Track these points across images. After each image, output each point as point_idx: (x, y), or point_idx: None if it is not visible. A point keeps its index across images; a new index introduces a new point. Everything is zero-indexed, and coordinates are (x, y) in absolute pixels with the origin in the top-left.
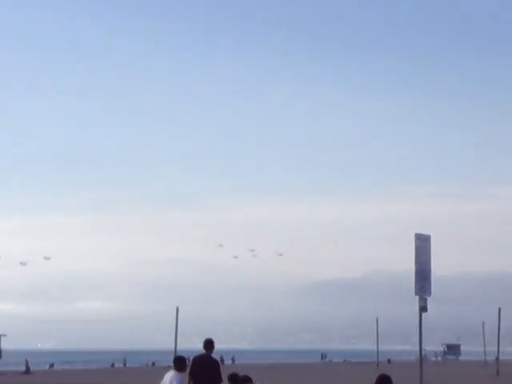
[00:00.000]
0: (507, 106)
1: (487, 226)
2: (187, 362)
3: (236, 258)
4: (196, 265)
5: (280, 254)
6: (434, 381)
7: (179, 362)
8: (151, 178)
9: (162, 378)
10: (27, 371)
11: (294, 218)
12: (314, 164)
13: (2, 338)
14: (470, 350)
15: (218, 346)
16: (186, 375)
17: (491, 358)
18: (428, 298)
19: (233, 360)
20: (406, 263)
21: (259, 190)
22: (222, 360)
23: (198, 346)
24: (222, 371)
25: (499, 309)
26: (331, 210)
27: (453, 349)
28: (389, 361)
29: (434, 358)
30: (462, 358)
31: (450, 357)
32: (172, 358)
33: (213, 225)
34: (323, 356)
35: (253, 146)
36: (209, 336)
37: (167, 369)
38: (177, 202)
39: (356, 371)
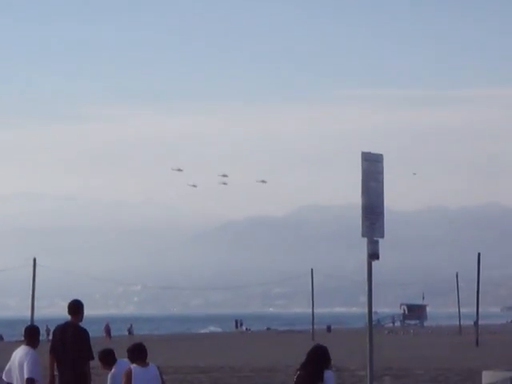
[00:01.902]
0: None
1: (464, 142)
2: (46, 333)
3: (194, 185)
4: (63, 200)
5: (263, 181)
6: (390, 356)
7: (30, 334)
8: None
9: (10, 358)
10: None
11: (193, 132)
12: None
13: None
14: (440, 311)
15: (93, 312)
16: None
17: (468, 322)
18: (380, 242)
19: (130, 331)
20: (350, 196)
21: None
22: (109, 331)
23: (65, 313)
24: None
25: (478, 254)
26: (241, 121)
27: (416, 311)
28: (328, 328)
29: (390, 324)
30: (428, 323)
31: (412, 322)
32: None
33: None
34: (239, 323)
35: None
36: (80, 298)
37: (19, 344)
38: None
39: (283, 343)
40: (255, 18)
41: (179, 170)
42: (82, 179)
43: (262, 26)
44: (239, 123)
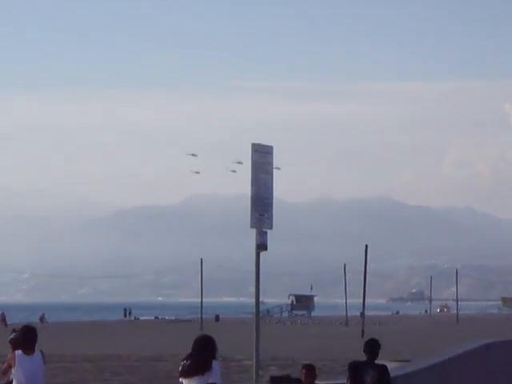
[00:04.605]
0: None
1: (351, 135)
2: None
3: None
4: None
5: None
6: (276, 346)
7: None
8: None
9: None
10: None
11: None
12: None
13: None
14: (327, 302)
15: None
16: None
17: (354, 313)
18: (270, 233)
19: (42, 319)
20: (240, 186)
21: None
22: (4, 319)
23: None
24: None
25: (366, 246)
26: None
27: (303, 301)
28: (217, 318)
29: (278, 314)
30: (315, 313)
31: (300, 312)
32: None
33: None
34: (127, 312)
35: None
36: None
37: None
38: None
39: (170, 331)
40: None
41: (193, 154)
42: None
43: (158, 10)
44: (123, 112)
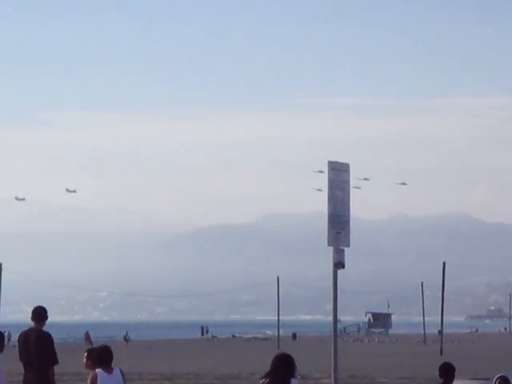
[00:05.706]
0: None
1: (427, 151)
2: (8, 338)
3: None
4: (25, 205)
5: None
6: (354, 364)
7: None
8: None
9: None
10: None
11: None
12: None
13: None
14: (404, 320)
15: (59, 318)
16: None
17: (432, 330)
18: (346, 251)
19: (126, 338)
20: (315, 203)
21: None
22: (89, 337)
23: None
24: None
25: (444, 263)
26: (205, 131)
27: (381, 319)
28: (294, 336)
29: (355, 332)
30: (393, 331)
31: (377, 330)
32: None
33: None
34: (204, 330)
35: None
36: (44, 304)
37: None
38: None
39: (247, 350)
40: (218, 24)
41: (320, 171)
42: (48, 185)
43: (225, 33)
44: (202, 130)
